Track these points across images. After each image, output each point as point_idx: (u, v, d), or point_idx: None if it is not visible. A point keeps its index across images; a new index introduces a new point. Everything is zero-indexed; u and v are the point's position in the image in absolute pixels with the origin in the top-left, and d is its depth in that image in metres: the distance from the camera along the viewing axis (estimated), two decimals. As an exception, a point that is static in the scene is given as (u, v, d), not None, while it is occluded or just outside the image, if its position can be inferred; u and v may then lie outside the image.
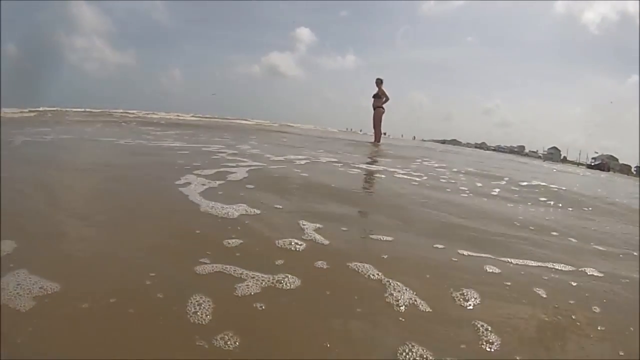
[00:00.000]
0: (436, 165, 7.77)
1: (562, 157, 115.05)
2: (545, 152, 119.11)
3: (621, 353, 1.40)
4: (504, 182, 6.25)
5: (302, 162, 5.35)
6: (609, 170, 61.30)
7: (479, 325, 1.45)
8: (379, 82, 11.03)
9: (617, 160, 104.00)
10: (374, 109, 11.24)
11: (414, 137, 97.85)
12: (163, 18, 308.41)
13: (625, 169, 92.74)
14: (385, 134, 13.68)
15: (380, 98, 11.05)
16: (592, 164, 72.52)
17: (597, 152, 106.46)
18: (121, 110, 20.67)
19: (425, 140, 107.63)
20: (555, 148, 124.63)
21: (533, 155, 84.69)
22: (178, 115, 29.51)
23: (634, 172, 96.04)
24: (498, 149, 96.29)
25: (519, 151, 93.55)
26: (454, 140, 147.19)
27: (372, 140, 11.56)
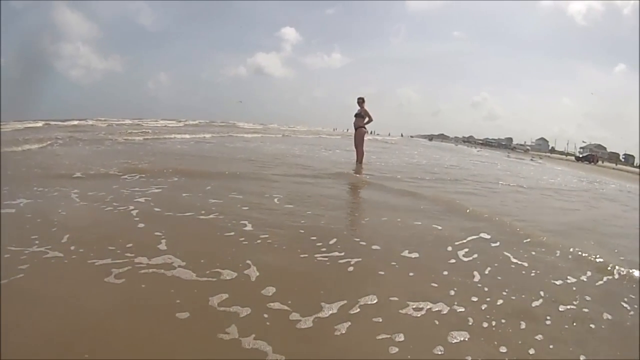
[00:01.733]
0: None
1: (550, 148, 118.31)
2: (533, 143, 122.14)
3: None
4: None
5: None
6: (597, 162, 62.82)
7: None
8: (361, 101, 11.00)
9: (605, 148, 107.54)
10: (356, 129, 11.26)
11: (402, 134, 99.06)
12: (148, 22, 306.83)
13: (613, 157, 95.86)
14: (373, 132, 13.58)
15: (362, 118, 11.03)
16: (581, 155, 74.42)
17: (584, 142, 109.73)
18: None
19: (412, 137, 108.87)
20: (543, 139, 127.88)
21: (520, 148, 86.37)
22: (166, 125, 29.34)
23: (622, 160, 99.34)
24: (486, 142, 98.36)
25: (507, 144, 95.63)
26: (442, 134, 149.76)
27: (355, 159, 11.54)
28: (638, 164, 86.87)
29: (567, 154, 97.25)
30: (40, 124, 18.93)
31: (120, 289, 2.55)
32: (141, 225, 3.83)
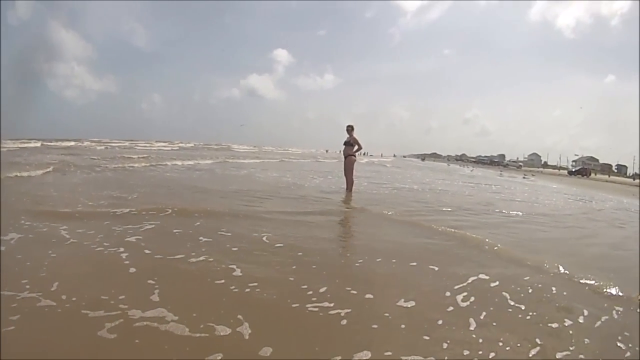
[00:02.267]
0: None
1: (542, 163, 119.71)
2: (526, 159, 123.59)
3: None
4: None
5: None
6: (589, 175, 63.51)
7: None
8: (350, 129, 11.22)
9: (597, 160, 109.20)
10: (345, 157, 11.42)
11: (395, 155, 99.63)
12: (142, 42, 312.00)
13: (606, 169, 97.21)
14: (366, 153, 13.47)
15: (352, 146, 11.21)
16: (573, 169, 75.36)
17: (577, 155, 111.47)
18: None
19: (405, 157, 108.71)
20: (535, 154, 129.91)
21: (513, 165, 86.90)
22: (161, 149, 29.40)
23: (615, 171, 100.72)
24: (478, 160, 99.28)
25: (500, 161, 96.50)
26: (434, 154, 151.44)
27: (345, 187, 11.71)
28: (631, 174, 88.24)
29: (560, 168, 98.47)
30: (34, 144, 19.02)
31: (114, 344, 2.56)
32: (132, 270, 3.88)
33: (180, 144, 40.41)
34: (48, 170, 11.33)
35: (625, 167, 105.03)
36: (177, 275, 3.86)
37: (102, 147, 24.35)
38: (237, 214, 6.90)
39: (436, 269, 4.56)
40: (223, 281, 3.74)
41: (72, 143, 25.13)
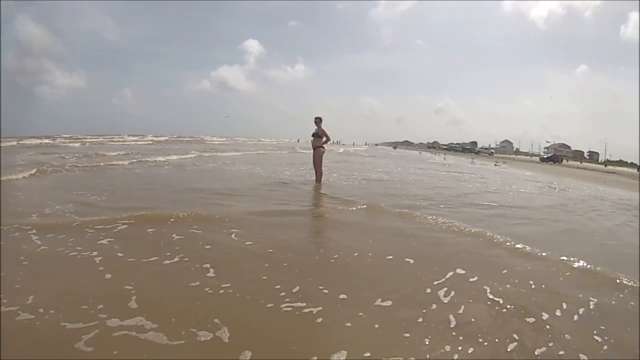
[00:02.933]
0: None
1: (515, 149, 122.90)
2: (498, 146, 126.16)
3: None
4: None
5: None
6: (561, 162, 65.18)
7: None
8: (318, 120, 11.37)
9: (569, 147, 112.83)
10: (314, 149, 11.55)
11: (366, 143, 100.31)
12: (114, 37, 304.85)
13: (578, 155, 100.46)
14: (339, 142, 13.19)
15: (320, 138, 11.38)
16: (545, 156, 77.32)
17: (548, 142, 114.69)
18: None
19: (377, 145, 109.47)
20: (507, 141, 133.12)
21: (485, 152, 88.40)
22: (136, 142, 28.76)
23: (587, 157, 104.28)
24: (450, 147, 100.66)
25: (471, 148, 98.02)
26: (407, 141, 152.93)
27: (314, 178, 11.85)
28: (603, 161, 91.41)
29: (532, 155, 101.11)
30: (9, 143, 18.59)
31: (92, 357, 2.53)
32: (108, 276, 3.82)
33: (153, 138, 39.59)
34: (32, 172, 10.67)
35: (597, 153, 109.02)
36: (153, 280, 3.82)
37: (78, 144, 23.59)
38: (207, 219, 6.73)
39: (411, 261, 4.66)
40: (198, 283, 3.73)
41: (47, 140, 24.32)
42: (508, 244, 5.69)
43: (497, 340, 3.00)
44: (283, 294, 3.59)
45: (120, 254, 4.39)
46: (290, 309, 3.32)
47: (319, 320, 3.15)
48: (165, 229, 5.43)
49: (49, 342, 2.69)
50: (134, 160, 15.41)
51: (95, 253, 4.37)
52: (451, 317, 3.32)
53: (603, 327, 3.34)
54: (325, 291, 3.71)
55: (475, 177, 19.78)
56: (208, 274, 3.97)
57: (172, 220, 5.91)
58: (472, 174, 21.88)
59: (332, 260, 4.61)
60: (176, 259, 4.33)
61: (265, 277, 3.95)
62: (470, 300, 3.68)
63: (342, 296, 3.60)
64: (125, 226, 5.49)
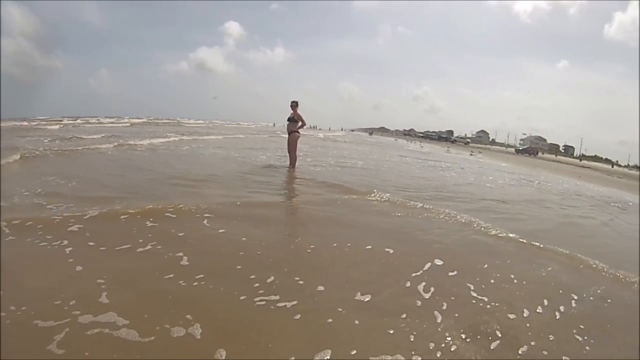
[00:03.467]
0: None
1: (490, 140, 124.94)
2: (474, 136, 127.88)
3: None
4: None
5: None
6: (537, 154, 66.49)
7: None
8: (294, 105, 11.31)
9: (545, 140, 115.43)
10: (289, 134, 11.52)
11: (342, 129, 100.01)
12: (95, 19, 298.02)
13: (553, 148, 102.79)
14: (315, 126, 13.07)
15: (295, 122, 11.35)
16: (521, 147, 78.84)
17: (524, 134, 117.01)
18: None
19: (353, 131, 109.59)
20: (483, 131, 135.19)
21: (461, 141, 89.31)
22: (114, 124, 27.94)
23: (562, 151, 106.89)
24: (427, 135, 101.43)
25: (447, 136, 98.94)
26: (383, 128, 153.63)
27: (288, 164, 11.83)
28: (578, 155, 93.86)
29: (508, 146, 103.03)
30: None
31: (65, 357, 2.45)
32: (79, 268, 3.65)
33: (131, 120, 38.65)
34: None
35: (573, 147, 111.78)
36: (125, 271, 3.68)
37: (56, 126, 22.75)
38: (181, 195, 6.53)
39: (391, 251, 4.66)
40: (172, 275, 3.60)
41: (24, 123, 23.44)
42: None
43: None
44: (257, 284, 3.52)
45: (91, 243, 4.20)
46: (264, 302, 3.25)
47: (298, 316, 3.08)
48: (140, 217, 5.22)
49: (21, 343, 2.57)
50: (116, 144, 14.58)
51: (65, 242, 4.16)
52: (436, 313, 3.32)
53: (582, 327, 3.40)
54: (301, 282, 3.66)
55: (452, 166, 19.98)
56: (181, 262, 3.87)
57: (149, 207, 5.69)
58: (448, 163, 22.09)
59: (309, 250, 4.54)
60: (149, 247, 4.20)
61: (239, 267, 3.86)
62: (452, 298, 3.66)
63: (320, 288, 3.56)
64: (97, 213, 5.23)
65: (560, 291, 4.06)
